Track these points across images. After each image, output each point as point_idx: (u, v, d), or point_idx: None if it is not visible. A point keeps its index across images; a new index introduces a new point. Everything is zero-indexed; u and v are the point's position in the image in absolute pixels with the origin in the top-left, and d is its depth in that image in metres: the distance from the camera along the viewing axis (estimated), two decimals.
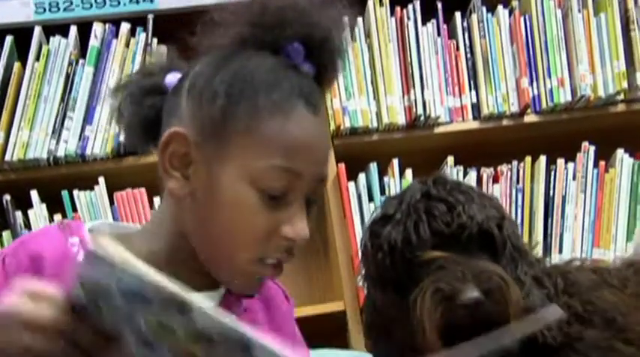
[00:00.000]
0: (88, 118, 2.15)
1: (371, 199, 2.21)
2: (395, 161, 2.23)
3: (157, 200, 2.10)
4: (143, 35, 2.21)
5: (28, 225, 2.11)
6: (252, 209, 0.95)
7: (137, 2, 2.25)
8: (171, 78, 1.04)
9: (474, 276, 1.10)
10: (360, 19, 2.29)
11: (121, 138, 2.11)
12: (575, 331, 1.19)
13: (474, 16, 2.31)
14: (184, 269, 0.99)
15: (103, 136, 2.14)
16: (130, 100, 1.05)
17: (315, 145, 0.98)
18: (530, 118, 2.30)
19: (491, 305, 1.10)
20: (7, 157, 2.11)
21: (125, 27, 2.21)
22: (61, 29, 2.20)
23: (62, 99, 2.15)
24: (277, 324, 1.13)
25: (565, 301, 1.21)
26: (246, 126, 0.94)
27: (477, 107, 2.28)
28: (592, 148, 2.30)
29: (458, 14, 2.32)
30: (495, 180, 2.27)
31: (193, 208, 0.98)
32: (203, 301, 0.71)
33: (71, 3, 2.24)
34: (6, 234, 2.09)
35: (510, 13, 2.34)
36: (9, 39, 2.18)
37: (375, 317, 1.24)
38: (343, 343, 2.13)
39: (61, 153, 2.13)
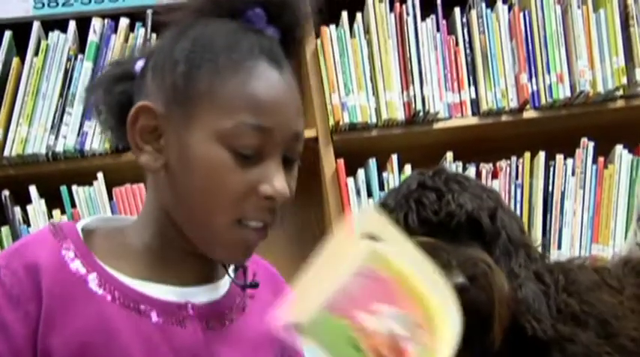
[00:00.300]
0: (86, 113, 2.14)
1: (370, 194, 2.21)
2: (394, 157, 2.23)
3: None
4: (142, 30, 2.20)
5: (26, 220, 2.11)
6: (226, 169, 0.94)
7: None
8: (141, 64, 1.03)
9: (459, 262, 1.10)
10: (359, 15, 2.28)
11: None
12: (569, 331, 1.18)
13: (474, 12, 2.30)
14: (180, 253, 0.99)
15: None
16: (103, 91, 1.05)
17: (283, 100, 0.96)
18: (529, 113, 2.30)
19: (476, 291, 1.10)
20: (6, 153, 2.10)
21: (124, 22, 2.21)
22: (60, 24, 2.20)
23: (61, 94, 2.15)
24: None
25: (564, 299, 1.20)
26: (210, 88, 0.94)
27: (476, 103, 2.28)
28: (591, 144, 2.30)
29: (457, 10, 2.32)
30: (494, 176, 2.27)
31: (169, 180, 0.98)
32: None
33: None
34: (5, 229, 2.09)
35: (510, 8, 2.34)
36: (7, 34, 2.17)
37: None
38: None
39: (59, 148, 2.12)
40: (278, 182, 0.95)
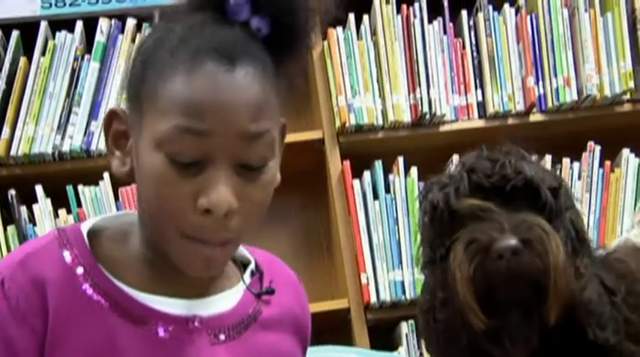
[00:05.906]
0: (93, 113, 2.15)
1: (376, 197, 2.21)
2: (400, 159, 2.23)
3: None
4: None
5: (32, 220, 2.11)
6: (164, 179, 0.87)
7: None
8: None
9: (512, 225, 1.02)
10: (366, 17, 2.28)
11: None
12: (632, 350, 1.08)
13: (481, 15, 2.30)
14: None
15: None
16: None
17: (226, 99, 0.86)
18: (535, 117, 2.29)
19: (530, 256, 1.02)
20: (13, 152, 2.11)
21: (131, 22, 2.21)
22: (67, 24, 2.20)
23: (68, 94, 2.15)
24: (305, 316, 1.08)
25: (626, 314, 1.10)
26: (154, 89, 0.88)
27: (482, 106, 2.28)
28: (597, 148, 2.29)
29: (464, 12, 2.32)
30: None
31: (137, 188, 0.93)
32: None
33: None
34: (11, 228, 2.09)
35: (517, 11, 2.33)
36: (15, 34, 2.18)
37: (424, 287, 1.16)
38: (347, 341, 2.12)
39: (66, 148, 2.13)
40: (214, 193, 0.86)
